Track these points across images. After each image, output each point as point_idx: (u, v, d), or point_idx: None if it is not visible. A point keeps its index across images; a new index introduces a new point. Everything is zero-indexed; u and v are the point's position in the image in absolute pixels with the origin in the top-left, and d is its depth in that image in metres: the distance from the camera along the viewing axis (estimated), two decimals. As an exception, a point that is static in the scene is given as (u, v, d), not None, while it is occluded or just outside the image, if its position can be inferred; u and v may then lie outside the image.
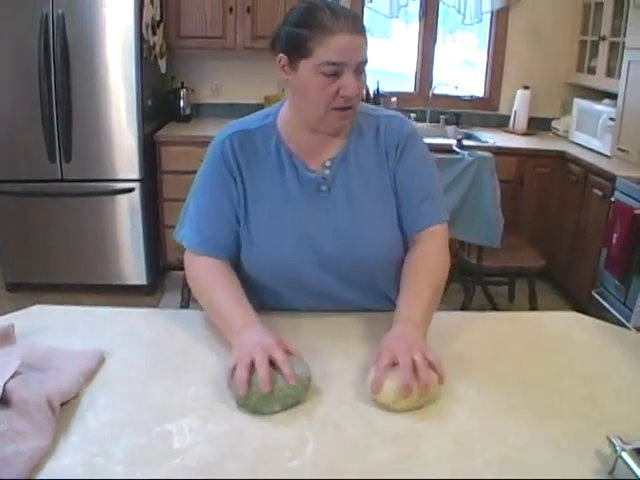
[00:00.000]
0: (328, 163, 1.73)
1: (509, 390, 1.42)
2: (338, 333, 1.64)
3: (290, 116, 1.74)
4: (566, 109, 5.46)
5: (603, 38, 5.04)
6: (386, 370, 1.33)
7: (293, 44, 1.58)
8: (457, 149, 4.14)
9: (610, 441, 1.15)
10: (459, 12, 5.39)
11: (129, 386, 1.35)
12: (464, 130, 5.39)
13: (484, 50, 5.69)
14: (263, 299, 1.78)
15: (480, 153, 3.92)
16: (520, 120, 5.40)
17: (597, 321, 1.83)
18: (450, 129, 5.38)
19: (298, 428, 1.23)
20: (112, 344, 1.51)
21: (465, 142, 4.50)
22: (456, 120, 5.58)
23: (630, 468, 1.10)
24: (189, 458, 1.13)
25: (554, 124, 5.60)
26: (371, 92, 5.21)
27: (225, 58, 5.18)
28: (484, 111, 5.71)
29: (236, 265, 1.76)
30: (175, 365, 1.45)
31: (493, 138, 5.11)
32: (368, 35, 1.62)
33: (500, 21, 5.47)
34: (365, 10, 5.36)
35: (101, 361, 1.43)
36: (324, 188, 1.73)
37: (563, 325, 1.78)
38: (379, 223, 1.75)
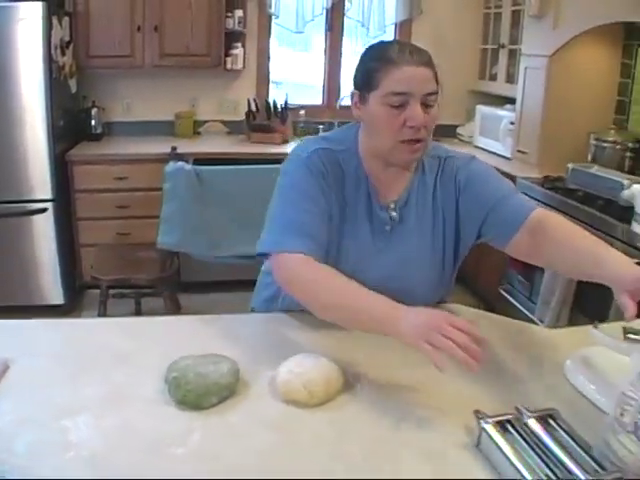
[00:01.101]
0: (392, 205, 1.81)
1: (395, 375, 1.55)
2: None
3: (367, 146, 1.80)
4: (470, 115, 5.68)
5: (502, 46, 5.29)
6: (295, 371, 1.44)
7: (363, 78, 1.69)
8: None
9: (476, 416, 1.27)
10: (363, 25, 5.55)
11: (31, 390, 1.43)
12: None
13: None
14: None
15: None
16: (425, 128, 5.57)
17: (488, 313, 1.99)
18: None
19: (185, 420, 1.33)
20: (16, 354, 1.57)
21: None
22: (364, 130, 5.67)
23: (492, 439, 1.22)
24: (83, 450, 1.22)
25: (459, 130, 5.81)
26: (278, 105, 5.31)
27: (134, 76, 5.21)
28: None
29: None
30: (74, 370, 1.52)
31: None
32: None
33: (404, 33, 5.66)
34: (272, 25, 5.48)
35: (5, 369, 1.50)
36: (387, 228, 1.82)
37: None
38: (425, 266, 1.84)
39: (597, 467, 1.15)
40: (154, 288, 3.99)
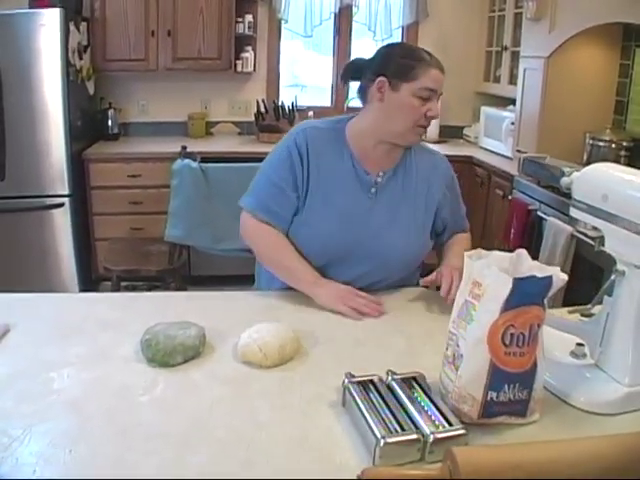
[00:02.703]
0: (381, 173, 2.14)
1: (343, 346, 1.76)
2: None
3: (364, 127, 2.14)
4: (476, 117, 5.82)
5: (505, 48, 5.42)
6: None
7: (400, 69, 2.02)
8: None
9: (345, 377, 1.44)
10: (370, 29, 5.73)
11: (25, 349, 1.63)
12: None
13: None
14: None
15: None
16: (432, 129, 5.71)
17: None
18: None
19: (154, 374, 1.53)
20: (17, 320, 1.78)
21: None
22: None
23: (352, 397, 1.38)
24: (63, 396, 1.42)
25: (465, 131, 5.96)
26: (286, 107, 5.50)
27: (149, 79, 5.43)
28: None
29: None
30: (64, 333, 1.73)
31: (405, 146, 5.34)
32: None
33: (410, 36, 5.84)
34: (282, 30, 5.68)
35: (5, 332, 1.71)
36: (373, 190, 2.14)
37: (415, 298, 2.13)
38: (408, 230, 2.16)
39: (445, 424, 1.30)
40: (163, 280, 4.18)
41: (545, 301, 1.33)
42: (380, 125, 2.09)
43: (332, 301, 1.96)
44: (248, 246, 2.20)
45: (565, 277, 1.33)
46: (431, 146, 2.41)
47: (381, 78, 2.03)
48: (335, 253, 2.10)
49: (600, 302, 1.57)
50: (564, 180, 1.64)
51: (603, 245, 1.54)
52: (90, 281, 4.96)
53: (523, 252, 1.45)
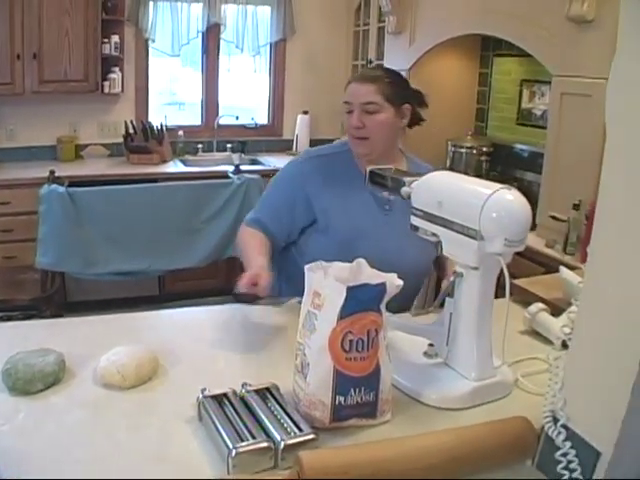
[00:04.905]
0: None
1: (200, 364, 1.79)
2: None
3: None
4: (344, 129, 5.90)
5: (370, 62, 5.57)
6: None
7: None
8: (231, 174, 4.51)
9: (201, 392, 1.47)
10: (237, 47, 5.79)
11: None
12: (250, 157, 5.79)
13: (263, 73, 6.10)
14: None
15: (249, 176, 4.31)
16: (302, 143, 5.83)
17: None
18: (236, 157, 5.66)
19: (14, 403, 1.53)
20: None
21: (248, 167, 4.89)
22: (242, 148, 5.93)
23: (206, 411, 1.42)
24: None
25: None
26: (154, 127, 5.49)
27: (17, 103, 5.27)
28: (269, 137, 6.13)
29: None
30: None
31: (276, 162, 5.44)
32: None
33: (278, 52, 5.92)
34: (149, 49, 5.66)
35: None
36: (387, 207, 2.26)
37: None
38: (420, 245, 2.07)
39: (297, 430, 1.35)
40: (38, 309, 4.09)
41: (382, 307, 1.41)
42: None
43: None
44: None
45: (400, 283, 1.41)
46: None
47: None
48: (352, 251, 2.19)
49: (442, 304, 1.66)
50: (404, 190, 1.73)
51: (442, 250, 1.63)
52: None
53: (362, 261, 1.53)
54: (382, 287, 1.38)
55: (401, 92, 2.24)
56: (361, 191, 2.19)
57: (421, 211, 1.66)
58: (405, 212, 2.17)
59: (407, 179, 1.76)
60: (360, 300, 1.35)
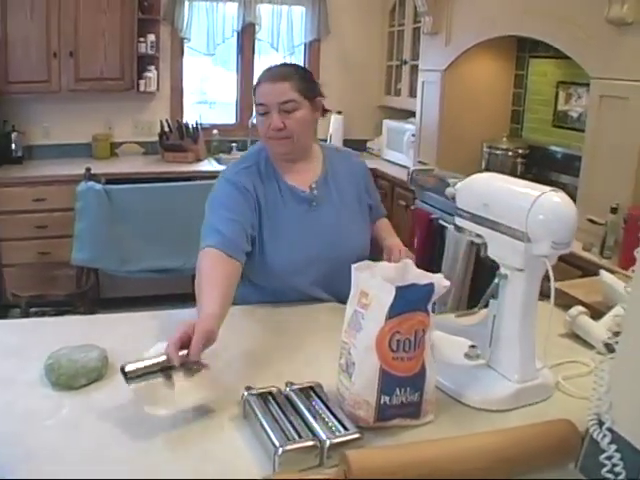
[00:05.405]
0: (314, 185, 2.25)
1: (240, 360, 1.79)
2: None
3: None
4: (379, 130, 5.95)
5: (405, 62, 5.58)
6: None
7: (253, 93, 2.17)
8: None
9: (245, 389, 1.49)
10: (272, 46, 5.81)
11: None
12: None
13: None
14: (263, 296, 2.23)
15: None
16: (336, 142, 5.79)
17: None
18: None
19: (58, 398, 1.55)
20: None
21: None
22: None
23: (252, 408, 1.43)
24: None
25: (369, 144, 6.09)
26: (190, 126, 5.55)
27: (52, 101, 5.34)
28: (303, 137, 6.08)
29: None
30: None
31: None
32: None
33: (313, 52, 5.92)
34: (185, 48, 5.70)
35: None
36: (314, 204, 2.23)
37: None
38: (354, 227, 2.28)
39: (342, 429, 1.35)
40: (72, 305, 4.14)
41: (429, 307, 1.41)
42: None
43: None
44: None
45: (447, 283, 1.41)
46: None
47: None
48: (299, 263, 2.18)
49: (486, 305, 1.65)
50: (449, 190, 1.72)
51: (487, 251, 1.63)
52: (-2, 308, 4.86)
53: (409, 262, 1.53)
54: (430, 287, 1.38)
55: (312, 85, 2.20)
56: (286, 197, 2.20)
57: (466, 212, 1.65)
58: (331, 203, 2.26)
59: (451, 180, 1.76)
60: (409, 300, 1.35)
